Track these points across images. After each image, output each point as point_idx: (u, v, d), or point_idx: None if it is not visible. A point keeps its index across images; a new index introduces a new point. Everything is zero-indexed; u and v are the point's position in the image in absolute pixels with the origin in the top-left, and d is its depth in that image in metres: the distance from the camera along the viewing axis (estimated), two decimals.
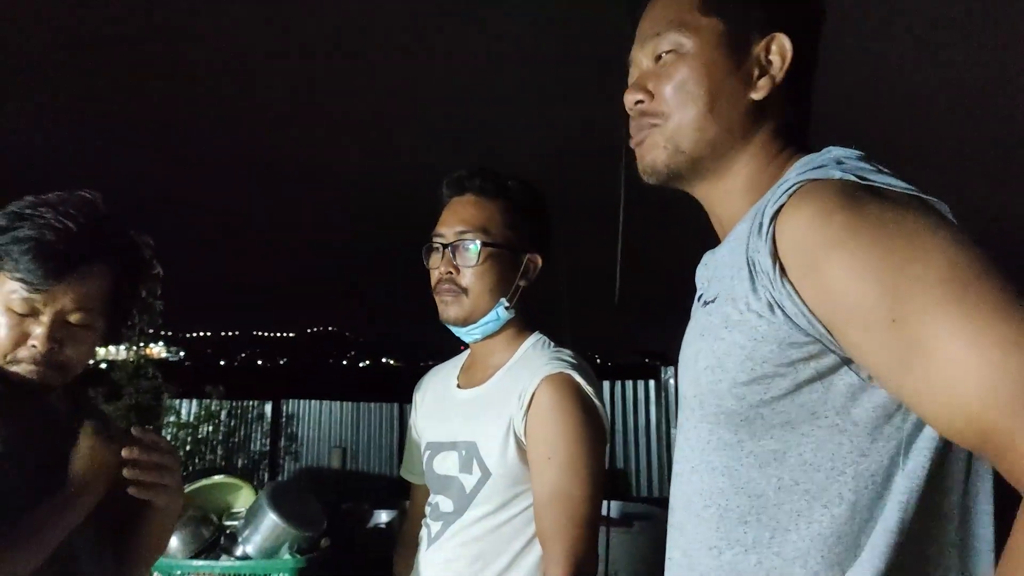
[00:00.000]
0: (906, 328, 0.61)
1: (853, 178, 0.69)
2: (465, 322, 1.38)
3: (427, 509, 1.46)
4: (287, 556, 2.78)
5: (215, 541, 2.83)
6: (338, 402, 6.47)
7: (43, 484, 1.13)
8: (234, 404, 6.47)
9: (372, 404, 6.38)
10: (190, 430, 5.10)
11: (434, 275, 1.41)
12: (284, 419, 6.54)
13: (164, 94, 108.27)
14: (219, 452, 6.32)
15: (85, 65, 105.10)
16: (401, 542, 1.65)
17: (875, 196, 0.67)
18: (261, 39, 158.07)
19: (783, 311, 0.69)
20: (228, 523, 2.87)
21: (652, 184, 0.89)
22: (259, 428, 6.51)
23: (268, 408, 6.53)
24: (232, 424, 6.47)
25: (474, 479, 1.35)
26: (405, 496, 4.80)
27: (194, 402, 6.18)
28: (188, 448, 5.12)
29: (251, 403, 6.56)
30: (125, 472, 1.17)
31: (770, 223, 0.71)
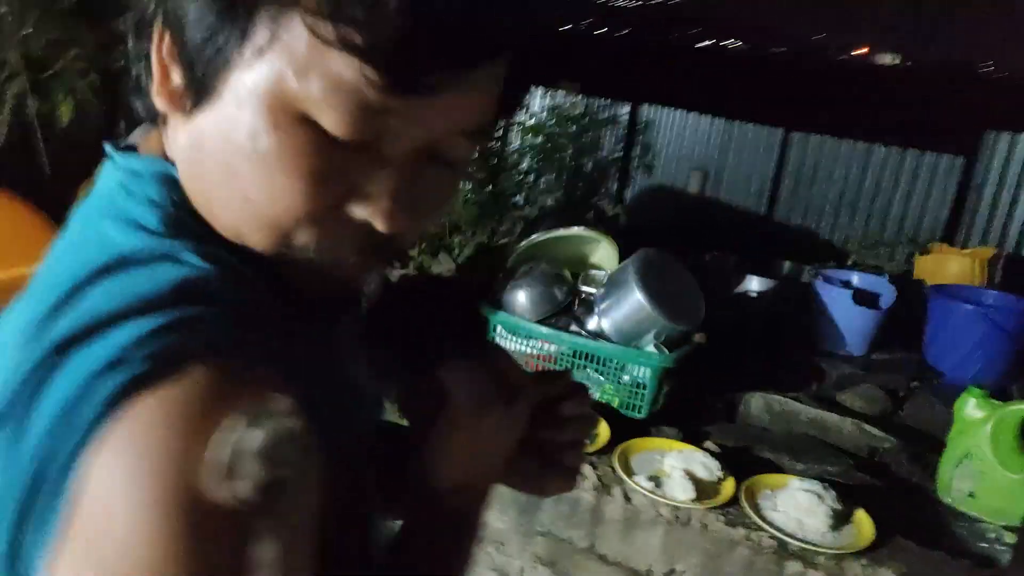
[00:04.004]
0: None
1: None
2: None
3: None
4: (651, 347, 2.29)
5: (568, 306, 2.43)
6: (707, 116, 5.66)
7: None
8: (588, 102, 5.99)
9: (749, 124, 5.46)
10: (541, 135, 4.73)
11: None
12: (641, 126, 5.95)
13: None
14: (568, 152, 6.03)
15: None
16: None
17: None
18: None
19: None
20: (584, 288, 2.43)
21: None
22: (612, 132, 6.04)
23: (625, 111, 5.97)
24: (585, 123, 6.07)
25: None
26: (779, 253, 3.98)
27: (547, 96, 5.81)
28: (538, 150, 4.82)
29: (607, 102, 6.02)
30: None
31: None
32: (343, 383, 0.56)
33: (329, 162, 0.47)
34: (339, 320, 0.57)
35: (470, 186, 4.49)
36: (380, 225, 0.49)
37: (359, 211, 0.49)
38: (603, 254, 2.63)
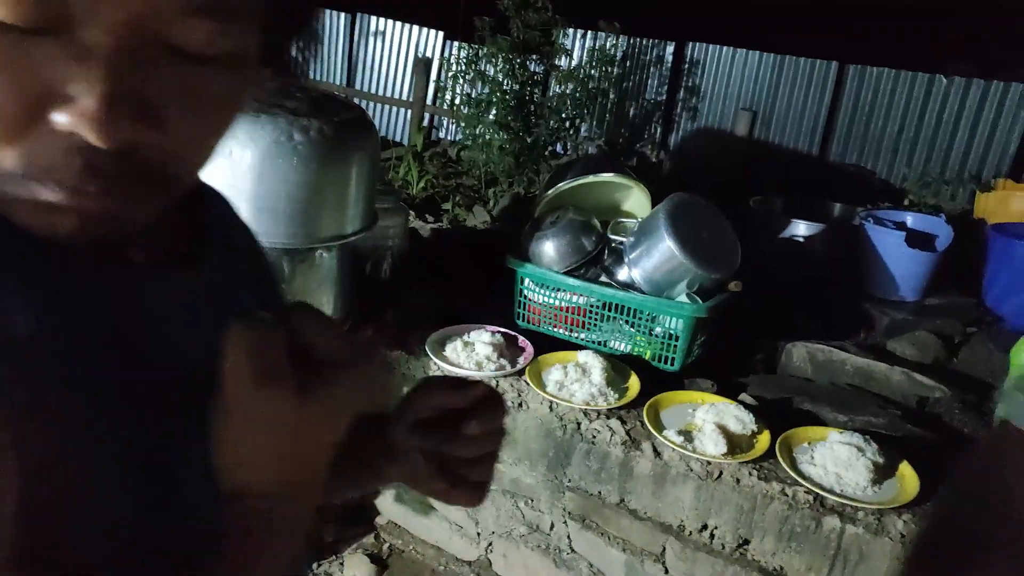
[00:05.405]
0: None
1: None
2: None
3: None
4: (683, 297, 2.22)
5: (597, 255, 2.37)
6: (756, 52, 5.41)
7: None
8: (631, 43, 5.78)
9: (801, 59, 5.20)
10: (579, 81, 4.58)
11: None
12: (687, 65, 5.74)
13: None
14: (610, 97, 5.87)
15: None
16: None
17: None
18: None
19: None
20: (614, 237, 2.36)
21: None
22: (656, 74, 5.84)
23: (669, 50, 5.75)
24: (627, 65, 5.88)
25: None
26: (832, 195, 3.80)
27: (587, 37, 5.62)
28: (578, 96, 4.68)
29: (650, 42, 5.81)
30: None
31: None
32: (133, 339, 0.48)
33: (5, 55, 0.37)
34: (123, 273, 0.49)
35: (505, 135, 4.40)
36: (90, 134, 0.38)
37: (62, 118, 0.38)
38: (635, 201, 2.54)
